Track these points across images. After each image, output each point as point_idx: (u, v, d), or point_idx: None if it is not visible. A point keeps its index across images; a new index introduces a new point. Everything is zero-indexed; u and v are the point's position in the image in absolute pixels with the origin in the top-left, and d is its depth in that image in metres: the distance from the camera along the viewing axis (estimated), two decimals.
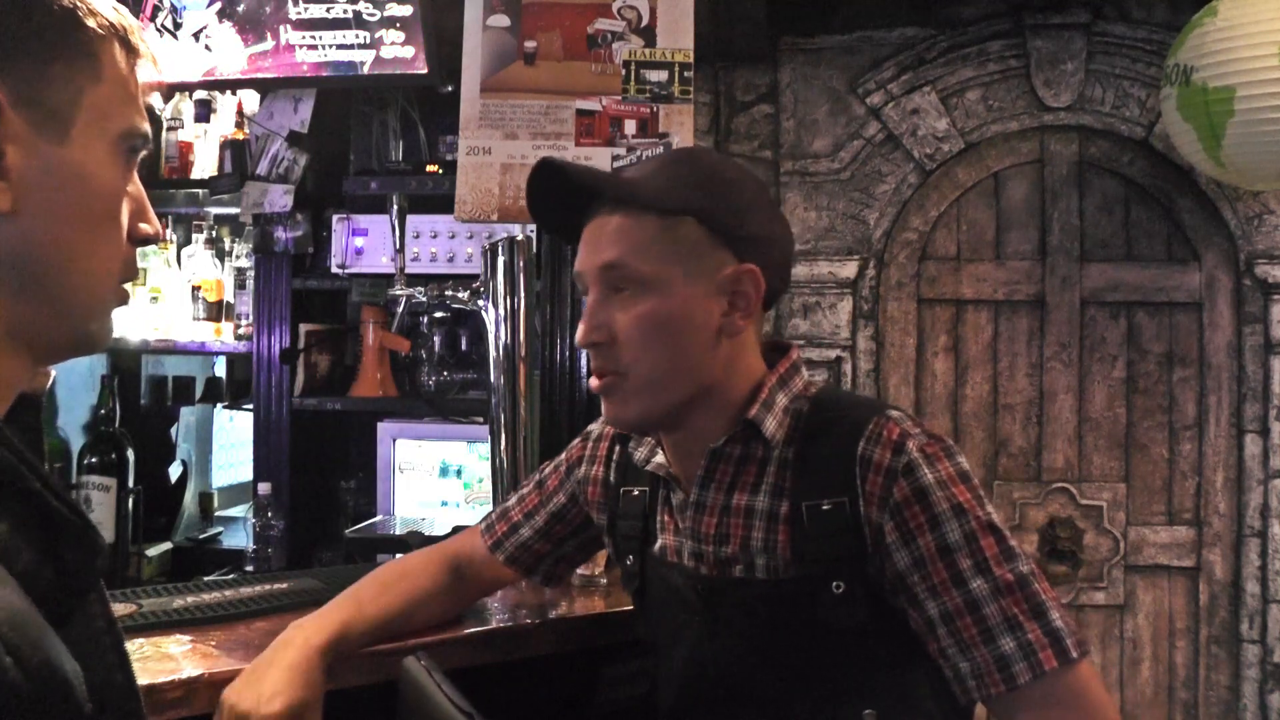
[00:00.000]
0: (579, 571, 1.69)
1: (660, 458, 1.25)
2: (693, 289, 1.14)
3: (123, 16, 0.67)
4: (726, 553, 1.17)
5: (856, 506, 1.11)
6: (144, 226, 0.70)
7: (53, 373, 0.71)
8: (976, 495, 1.10)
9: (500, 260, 2.01)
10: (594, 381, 1.19)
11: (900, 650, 1.11)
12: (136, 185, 0.71)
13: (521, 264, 2.02)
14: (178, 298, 3.00)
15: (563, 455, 1.44)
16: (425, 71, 2.51)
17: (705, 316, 1.14)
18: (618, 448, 1.35)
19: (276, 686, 1.17)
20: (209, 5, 2.57)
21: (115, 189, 0.67)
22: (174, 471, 3.21)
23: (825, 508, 1.11)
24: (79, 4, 0.64)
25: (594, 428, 1.42)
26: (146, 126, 0.69)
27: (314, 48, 2.54)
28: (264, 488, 2.77)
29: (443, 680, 1.10)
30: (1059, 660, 1.04)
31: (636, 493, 1.30)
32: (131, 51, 0.67)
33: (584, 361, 2.28)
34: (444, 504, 2.79)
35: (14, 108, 0.60)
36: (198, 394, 3.51)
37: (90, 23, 0.64)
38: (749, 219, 1.16)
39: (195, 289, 2.99)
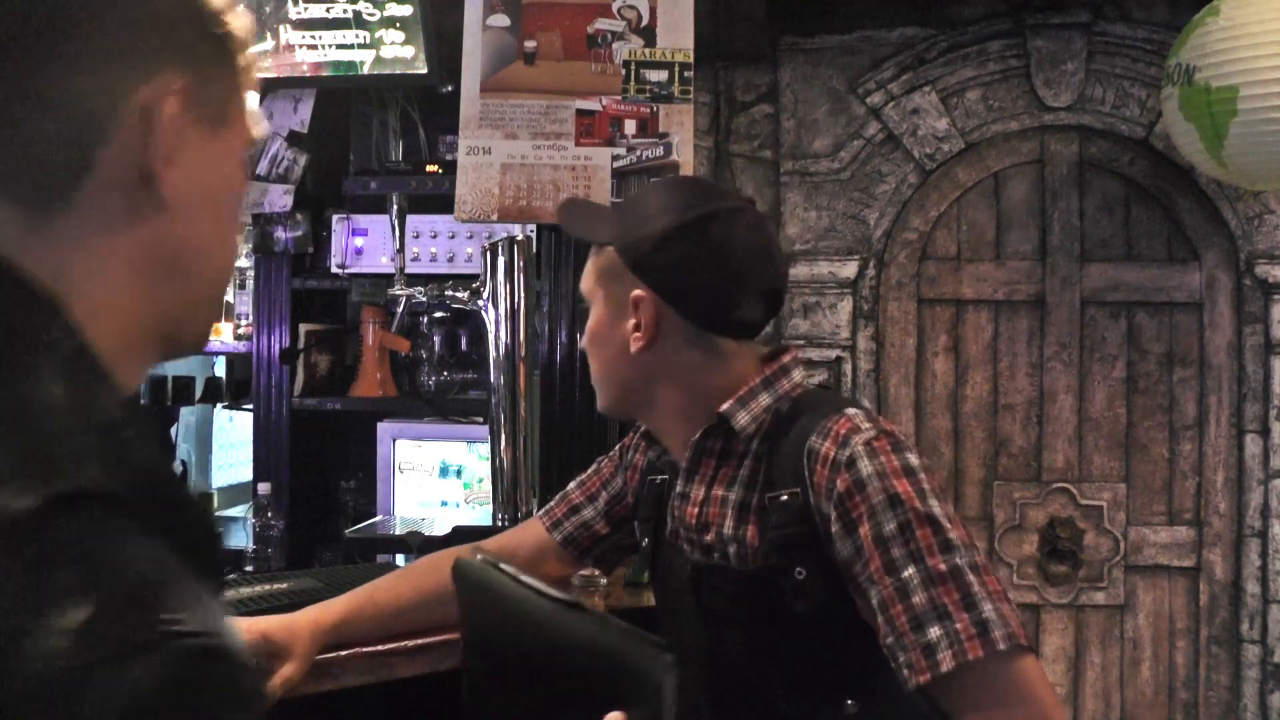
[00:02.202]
0: (580, 572, 1.69)
1: (670, 453, 1.36)
2: (608, 309, 1.30)
3: (250, 27, 0.71)
4: (708, 540, 1.25)
5: (808, 497, 1.16)
6: (242, 222, 0.73)
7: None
8: (919, 488, 1.11)
9: (500, 260, 2.01)
10: None
11: (877, 642, 1.12)
12: None
13: (521, 264, 2.02)
14: None
15: (617, 445, 1.56)
16: (425, 71, 2.51)
17: (615, 334, 1.29)
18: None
19: (267, 624, 1.27)
20: None
21: (243, 189, 0.69)
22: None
23: (783, 498, 1.18)
24: (233, 11, 0.67)
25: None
26: (258, 132, 0.72)
27: (314, 48, 2.54)
28: (264, 488, 2.77)
29: (517, 570, 1.07)
30: (984, 650, 1.03)
31: (659, 481, 1.39)
32: (253, 62, 0.71)
33: (579, 363, 2.28)
34: (444, 504, 2.79)
35: (193, 102, 0.61)
36: (197, 394, 3.51)
37: (241, 30, 0.67)
38: (663, 249, 1.25)
39: None
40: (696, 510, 1.27)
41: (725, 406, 1.24)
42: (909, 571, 1.07)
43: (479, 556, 1.13)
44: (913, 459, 1.14)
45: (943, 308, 2.97)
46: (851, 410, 1.19)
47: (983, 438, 2.95)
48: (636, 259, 1.26)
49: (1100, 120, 2.90)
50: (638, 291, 1.25)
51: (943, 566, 1.07)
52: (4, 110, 0.57)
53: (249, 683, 0.52)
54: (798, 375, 1.29)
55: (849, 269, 2.96)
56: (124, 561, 0.49)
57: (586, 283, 1.33)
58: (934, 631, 1.05)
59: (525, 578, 1.05)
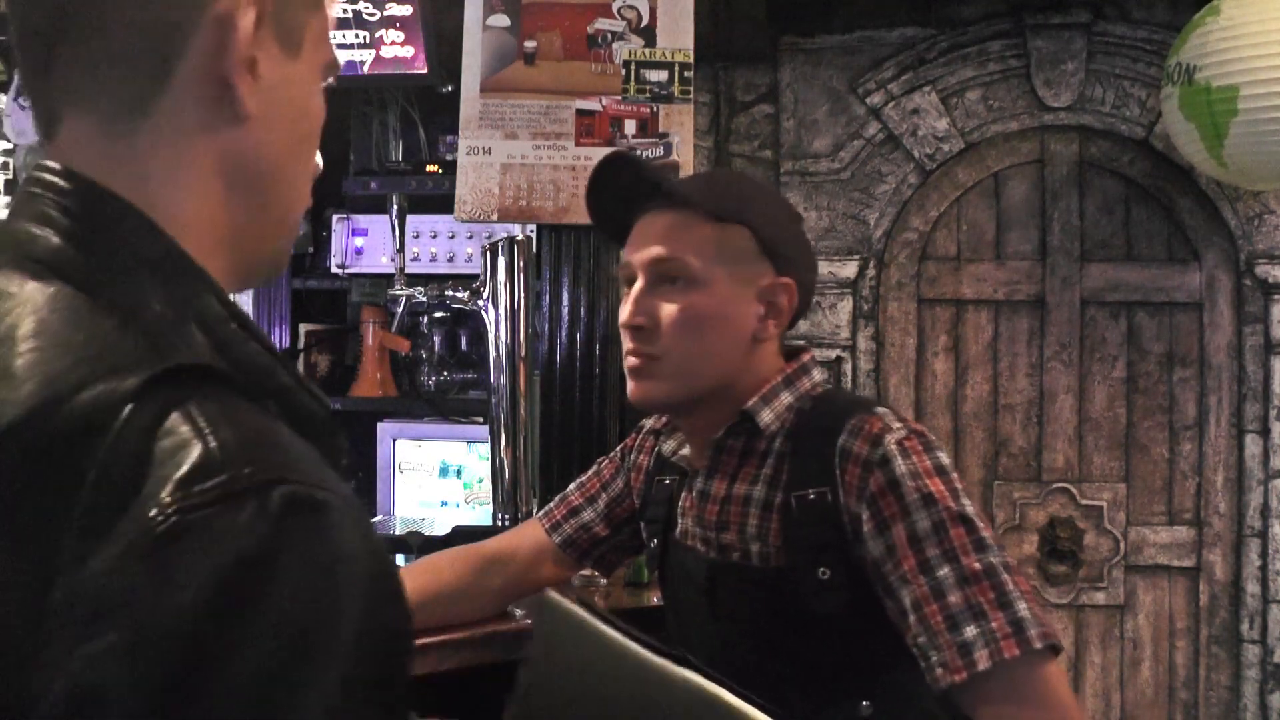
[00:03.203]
0: (580, 572, 1.69)
1: (686, 450, 1.33)
2: (734, 291, 1.23)
3: None
4: (726, 539, 1.23)
5: (837, 496, 1.15)
6: (318, 159, 0.72)
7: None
8: (951, 488, 1.11)
9: (500, 260, 2.01)
10: (630, 360, 1.26)
11: (894, 643, 1.12)
12: None
13: (521, 264, 2.02)
14: None
15: (619, 446, 1.53)
16: (425, 71, 2.51)
17: (741, 318, 1.23)
18: (660, 441, 1.43)
19: None
20: None
21: (321, 112, 0.70)
22: None
23: (810, 497, 1.16)
24: None
25: (646, 422, 1.50)
26: (338, 60, 0.74)
27: None
28: None
29: (604, 610, 1.03)
30: (1020, 649, 1.03)
31: (667, 481, 1.37)
32: None
33: (579, 363, 2.27)
34: (444, 504, 2.79)
35: (269, 16, 0.62)
36: None
37: None
38: (788, 238, 1.27)
39: None
40: (717, 508, 1.25)
41: (750, 404, 1.23)
42: (943, 571, 1.07)
43: (574, 595, 1.08)
44: (944, 458, 1.14)
45: (943, 308, 2.98)
46: (880, 410, 1.18)
47: (983, 438, 2.95)
48: (778, 245, 1.24)
49: (1100, 120, 2.90)
50: (784, 279, 1.24)
51: (977, 565, 1.07)
52: (87, 22, 0.59)
53: (365, 541, 0.52)
54: (817, 375, 1.29)
55: (849, 269, 2.96)
56: (230, 420, 0.50)
57: (691, 254, 1.22)
58: (969, 630, 1.05)
59: (622, 624, 1.00)
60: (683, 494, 1.33)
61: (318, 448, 0.57)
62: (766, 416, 1.23)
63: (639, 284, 1.25)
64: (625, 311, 1.25)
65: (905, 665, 1.11)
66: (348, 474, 0.63)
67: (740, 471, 1.25)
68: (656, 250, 1.23)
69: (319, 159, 0.72)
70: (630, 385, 1.27)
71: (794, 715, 1.18)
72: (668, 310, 1.22)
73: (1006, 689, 1.04)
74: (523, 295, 2.01)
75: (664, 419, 1.41)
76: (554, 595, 1.07)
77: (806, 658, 1.18)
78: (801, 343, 2.95)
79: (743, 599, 1.21)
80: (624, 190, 1.27)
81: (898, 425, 1.16)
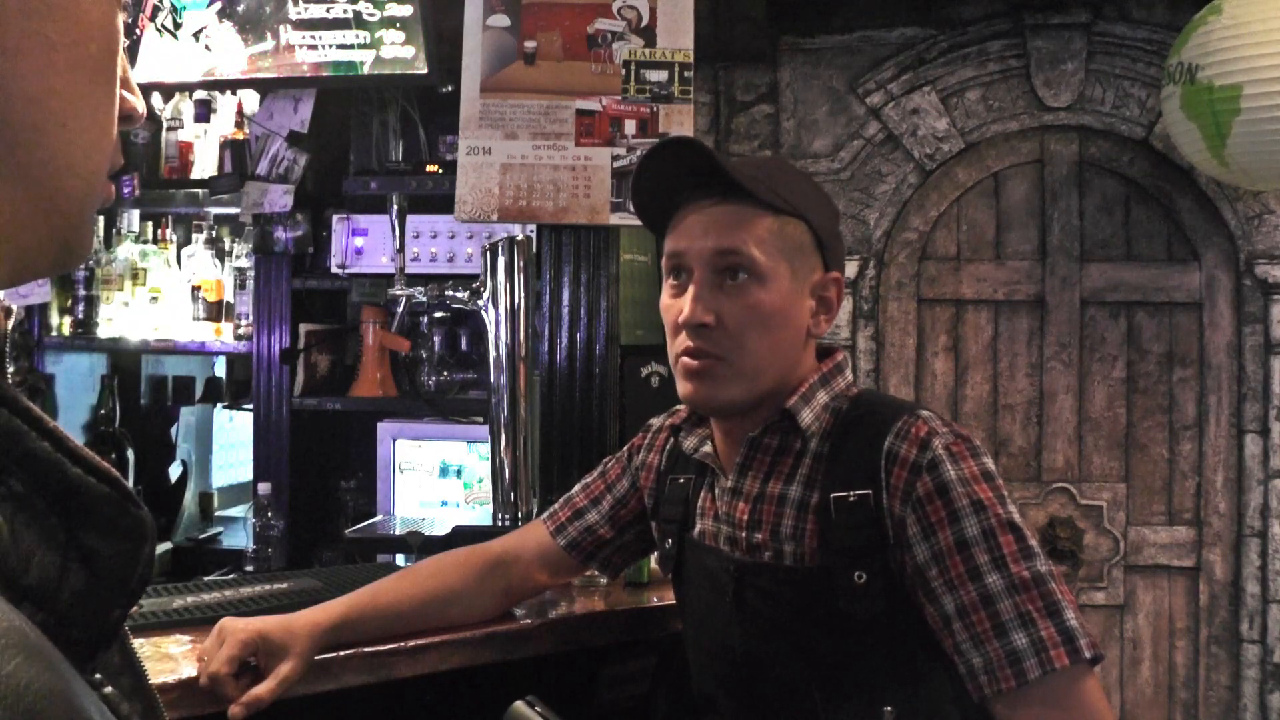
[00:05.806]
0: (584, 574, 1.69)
1: (708, 447, 1.30)
2: (794, 286, 1.21)
3: None
4: (757, 539, 1.22)
5: (880, 499, 1.14)
6: (129, 97, 0.51)
7: (13, 308, 0.54)
8: (999, 494, 1.11)
9: (500, 260, 2.01)
10: (690, 362, 1.21)
11: (921, 650, 1.12)
12: (122, 54, 0.52)
13: (521, 264, 2.02)
14: (178, 298, 3.00)
15: (624, 447, 1.52)
16: (425, 71, 2.51)
17: (800, 315, 1.22)
18: (672, 439, 1.42)
19: (265, 623, 1.26)
20: (209, 5, 2.57)
21: (112, 29, 0.49)
22: (174, 471, 3.21)
23: (851, 499, 1.15)
24: None
25: (654, 420, 1.49)
26: None
27: (314, 48, 2.54)
28: (264, 488, 2.77)
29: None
30: (1070, 659, 1.03)
31: (682, 480, 1.36)
32: None
33: (579, 363, 2.27)
34: (444, 504, 2.79)
35: None
36: (198, 394, 3.51)
37: None
38: (836, 231, 1.26)
39: (195, 289, 2.99)
40: (748, 507, 1.23)
41: (791, 403, 1.21)
42: (992, 578, 1.07)
43: (533, 704, 1.06)
44: (990, 464, 1.14)
45: (943, 308, 2.98)
46: (925, 413, 1.17)
47: (983, 438, 2.95)
48: (829, 239, 1.24)
49: (1100, 120, 2.90)
50: (833, 273, 1.24)
51: (1026, 573, 1.07)
52: None
53: None
54: (849, 374, 1.28)
55: (849, 269, 2.95)
56: None
57: (755, 248, 1.18)
58: (1019, 639, 1.04)
59: None
60: (701, 493, 1.32)
61: (106, 545, 0.42)
62: (807, 416, 1.21)
63: (696, 277, 1.20)
64: (687, 308, 1.19)
65: (930, 672, 1.11)
66: (151, 568, 0.45)
67: (774, 470, 1.23)
68: (720, 242, 1.18)
69: (134, 100, 0.51)
70: (690, 387, 1.21)
71: (815, 715, 1.17)
72: (734, 308, 1.19)
73: (1052, 698, 1.05)
74: (523, 295, 2.01)
75: (678, 415, 1.39)
76: (522, 708, 1.06)
77: (832, 659, 1.17)
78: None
79: (771, 599, 1.20)
80: (672, 176, 1.22)
81: (944, 429, 1.14)
